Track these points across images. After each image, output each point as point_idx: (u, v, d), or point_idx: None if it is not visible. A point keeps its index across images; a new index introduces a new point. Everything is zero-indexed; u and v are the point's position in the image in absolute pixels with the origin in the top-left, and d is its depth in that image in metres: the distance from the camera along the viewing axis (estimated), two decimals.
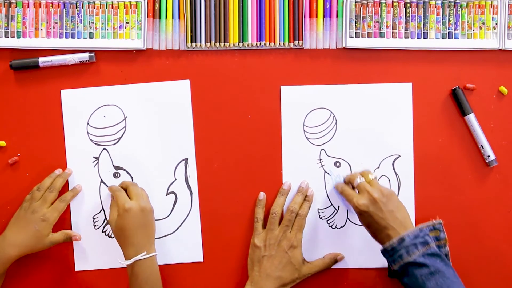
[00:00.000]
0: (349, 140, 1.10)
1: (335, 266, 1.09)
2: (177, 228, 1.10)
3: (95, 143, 1.11)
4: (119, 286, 1.10)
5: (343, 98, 1.10)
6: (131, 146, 1.11)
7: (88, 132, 1.10)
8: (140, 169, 1.10)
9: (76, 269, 1.10)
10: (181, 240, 1.10)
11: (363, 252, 1.09)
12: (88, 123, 1.10)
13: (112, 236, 1.10)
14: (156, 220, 1.09)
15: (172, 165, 1.11)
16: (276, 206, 1.08)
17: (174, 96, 1.10)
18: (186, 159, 1.10)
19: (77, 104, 1.10)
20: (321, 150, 1.10)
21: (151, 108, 1.10)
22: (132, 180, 1.10)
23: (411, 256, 0.93)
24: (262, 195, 1.09)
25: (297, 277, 1.05)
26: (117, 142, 1.11)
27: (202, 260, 1.10)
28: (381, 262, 1.08)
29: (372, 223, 0.97)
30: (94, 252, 1.10)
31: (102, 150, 1.11)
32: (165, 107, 1.10)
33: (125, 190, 1.06)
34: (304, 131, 1.10)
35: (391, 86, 1.10)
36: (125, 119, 1.11)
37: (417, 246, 0.93)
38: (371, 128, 1.10)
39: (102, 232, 1.10)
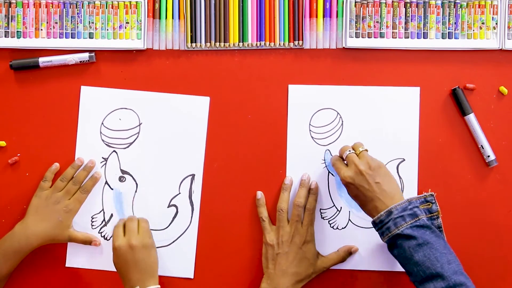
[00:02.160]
0: (355, 142, 1.09)
1: (335, 267, 1.08)
2: (173, 242, 1.10)
3: (106, 144, 1.10)
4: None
5: (350, 99, 1.10)
6: (141, 152, 1.10)
7: (101, 132, 1.10)
8: (146, 177, 1.10)
9: (67, 265, 1.10)
10: (174, 254, 1.09)
11: (363, 254, 1.09)
12: (102, 123, 1.10)
13: (108, 238, 1.10)
14: (153, 230, 1.08)
15: (178, 178, 1.10)
16: (282, 202, 1.07)
17: (192, 111, 1.10)
18: (193, 175, 1.10)
19: (95, 102, 1.10)
20: (326, 150, 1.10)
21: (167, 119, 1.10)
22: (136, 187, 1.10)
23: (398, 228, 0.92)
24: (259, 194, 1.09)
25: (312, 271, 1.05)
26: (128, 146, 1.10)
27: (192, 277, 1.09)
28: (382, 264, 1.08)
29: (359, 195, 0.97)
30: (87, 251, 1.09)
31: (112, 152, 1.10)
32: (181, 120, 1.10)
33: None
34: (310, 130, 1.10)
35: (399, 89, 1.10)
36: (139, 125, 1.10)
37: (405, 218, 0.92)
38: (377, 130, 1.10)
39: (99, 233, 1.10)
